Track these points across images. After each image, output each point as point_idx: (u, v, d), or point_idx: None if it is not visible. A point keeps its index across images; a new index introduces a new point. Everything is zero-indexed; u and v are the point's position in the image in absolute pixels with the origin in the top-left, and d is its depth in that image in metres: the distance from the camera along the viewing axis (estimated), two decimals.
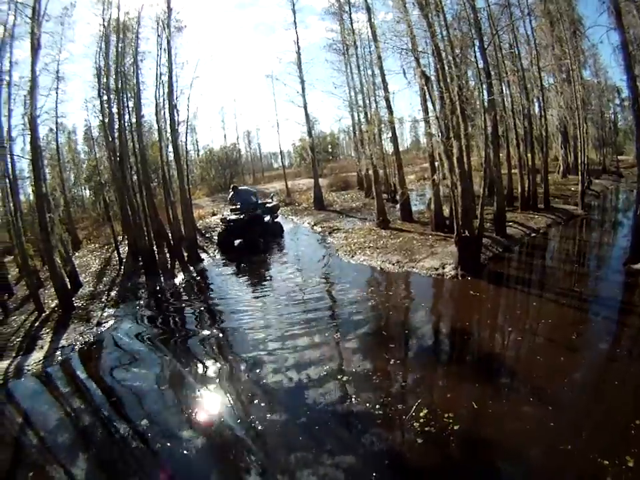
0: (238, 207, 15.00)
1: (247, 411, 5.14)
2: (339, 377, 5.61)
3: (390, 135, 14.89)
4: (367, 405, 4.92)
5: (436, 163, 12.56)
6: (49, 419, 5.79)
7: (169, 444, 4.70)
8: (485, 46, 12.33)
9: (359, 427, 4.61)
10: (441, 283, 9.15)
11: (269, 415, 4.96)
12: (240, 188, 16.39)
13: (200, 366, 6.63)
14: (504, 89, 15.71)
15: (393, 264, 10.35)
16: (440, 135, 9.67)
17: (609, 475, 3.58)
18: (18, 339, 9.16)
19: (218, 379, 6.05)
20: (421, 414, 4.59)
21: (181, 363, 6.85)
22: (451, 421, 4.45)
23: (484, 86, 11.53)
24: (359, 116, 20.01)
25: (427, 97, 10.90)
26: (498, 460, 4.07)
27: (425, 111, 12.51)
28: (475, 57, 13.11)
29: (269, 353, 6.59)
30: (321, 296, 8.95)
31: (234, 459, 4.42)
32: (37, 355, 8.13)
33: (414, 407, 4.72)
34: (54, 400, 6.53)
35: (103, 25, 14.30)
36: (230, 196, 15.89)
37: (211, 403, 5.45)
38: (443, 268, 9.44)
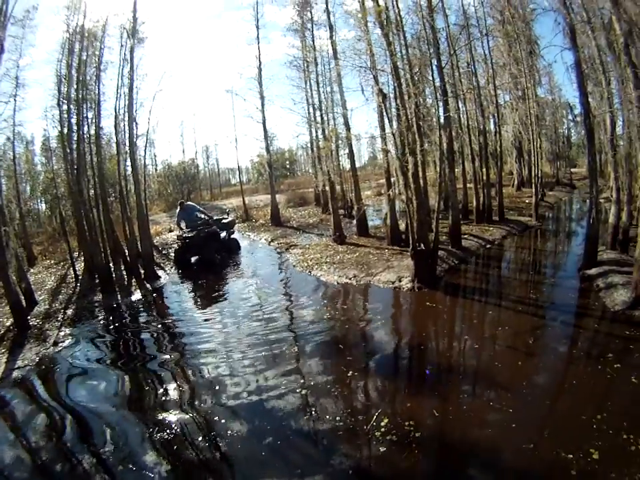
0: (194, 223, 14.89)
1: (209, 431, 5.09)
2: (300, 391, 5.66)
3: (347, 151, 15.10)
4: (328, 417, 4.98)
5: (392, 179, 12.88)
6: (4, 442, 5.58)
7: (130, 466, 4.62)
8: (443, 65, 12.85)
9: (321, 439, 4.67)
10: (397, 295, 9.30)
11: (231, 433, 4.94)
12: (186, 204, 16.31)
13: (160, 388, 6.52)
14: (460, 106, 16.34)
15: (350, 278, 10.46)
16: (396, 151, 9.91)
17: (574, 468, 3.76)
18: None
19: (178, 400, 5.97)
20: (382, 423, 4.67)
21: (141, 386, 6.74)
22: (412, 428, 4.55)
23: (440, 103, 11.91)
24: (317, 132, 20.23)
25: (384, 114, 11.15)
26: (462, 463, 4.19)
27: (382, 127, 12.80)
28: (432, 75, 13.64)
29: (230, 373, 6.53)
30: (279, 313, 8.92)
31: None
32: None
33: (374, 416, 4.81)
34: (10, 422, 6.26)
35: (68, 31, 13.93)
36: (177, 212, 15.73)
37: (172, 424, 5.37)
38: (400, 281, 9.62)
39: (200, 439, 4.95)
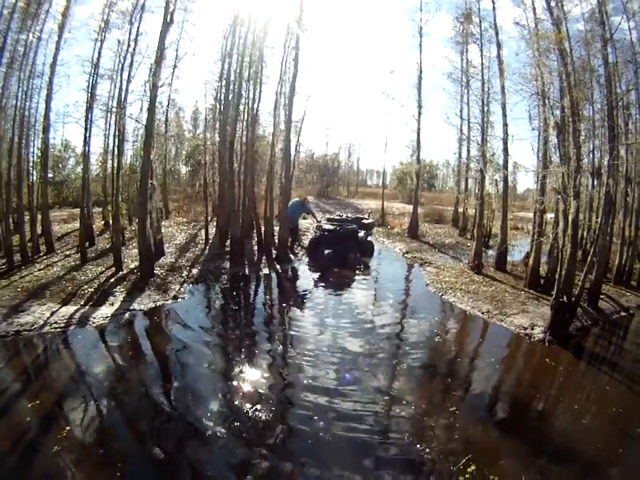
0: (336, 217, 15.27)
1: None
2: (395, 411, 5.69)
3: (498, 177, 14.50)
4: (418, 446, 4.92)
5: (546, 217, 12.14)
6: (96, 369, 6.36)
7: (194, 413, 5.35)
8: (615, 104, 11.68)
9: (405, 466, 4.67)
10: (523, 342, 8.78)
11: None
12: (307, 201, 16.98)
13: (254, 360, 6.99)
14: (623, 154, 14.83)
15: (483, 312, 10.07)
16: (562, 191, 9.32)
17: None
18: (90, 290, 9.71)
19: (265, 381, 6.32)
20: (469, 469, 4.53)
21: (239, 354, 7.20)
22: None
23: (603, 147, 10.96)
24: (468, 152, 19.62)
25: (556, 149, 10.48)
26: None
27: (544, 164, 12.04)
28: (593, 114, 12.60)
29: (319, 370, 6.75)
30: (396, 328, 8.93)
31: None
32: (105, 310, 8.59)
33: (463, 460, 4.65)
34: (107, 354, 7.00)
35: (233, 14, 15.27)
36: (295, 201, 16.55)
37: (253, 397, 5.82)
38: (532, 329, 9.07)
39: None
